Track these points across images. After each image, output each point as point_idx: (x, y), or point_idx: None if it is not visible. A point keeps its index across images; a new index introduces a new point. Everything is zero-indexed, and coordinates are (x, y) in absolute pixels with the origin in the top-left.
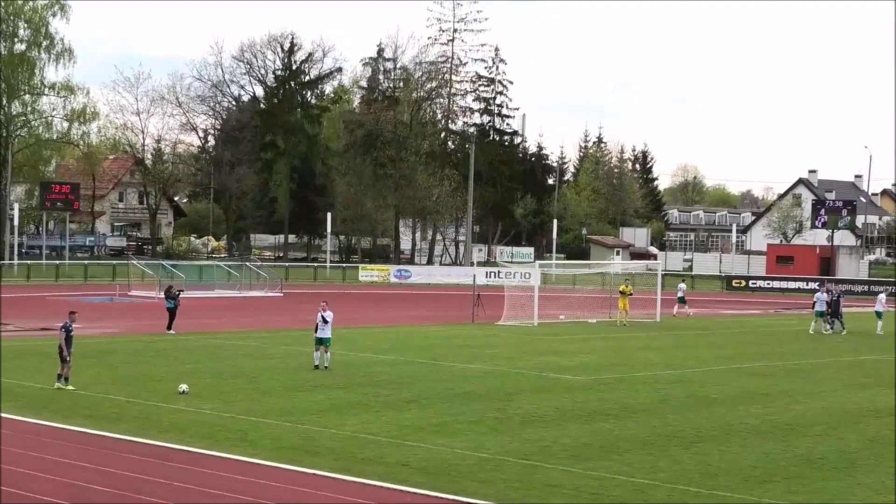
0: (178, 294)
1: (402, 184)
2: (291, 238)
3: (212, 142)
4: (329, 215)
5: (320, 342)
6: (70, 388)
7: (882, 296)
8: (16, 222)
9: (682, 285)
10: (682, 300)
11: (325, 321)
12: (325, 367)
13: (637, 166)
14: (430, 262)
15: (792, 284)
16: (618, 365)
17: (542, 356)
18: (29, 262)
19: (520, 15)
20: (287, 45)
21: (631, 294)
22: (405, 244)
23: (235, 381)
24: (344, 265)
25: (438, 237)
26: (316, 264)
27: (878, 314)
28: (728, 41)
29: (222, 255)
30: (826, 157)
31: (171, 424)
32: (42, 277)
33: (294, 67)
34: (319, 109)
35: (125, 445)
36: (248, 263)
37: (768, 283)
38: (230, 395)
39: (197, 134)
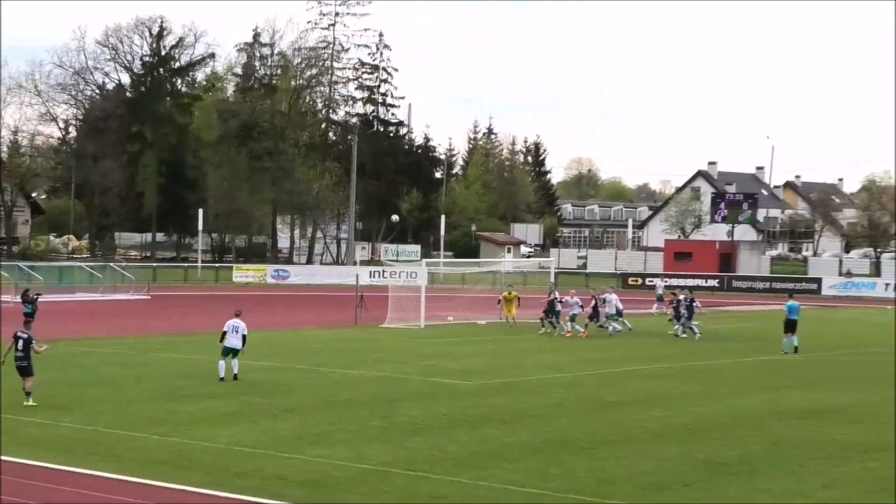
0: (36, 298)
1: (279, 177)
2: (160, 236)
3: (73, 133)
4: (201, 212)
5: (227, 352)
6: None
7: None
8: None
9: (659, 281)
10: (660, 298)
11: (235, 330)
12: (235, 378)
13: (529, 159)
14: (309, 261)
15: (690, 281)
16: (508, 368)
17: (428, 360)
18: None
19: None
20: (156, 30)
21: (517, 298)
22: (283, 242)
23: (99, 391)
24: (217, 265)
25: (319, 235)
26: (186, 264)
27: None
28: (624, 30)
29: (84, 256)
30: (726, 148)
31: (28, 439)
32: None
33: (163, 53)
34: (191, 98)
35: None
36: (112, 264)
37: (666, 281)
38: (93, 406)
39: (57, 125)
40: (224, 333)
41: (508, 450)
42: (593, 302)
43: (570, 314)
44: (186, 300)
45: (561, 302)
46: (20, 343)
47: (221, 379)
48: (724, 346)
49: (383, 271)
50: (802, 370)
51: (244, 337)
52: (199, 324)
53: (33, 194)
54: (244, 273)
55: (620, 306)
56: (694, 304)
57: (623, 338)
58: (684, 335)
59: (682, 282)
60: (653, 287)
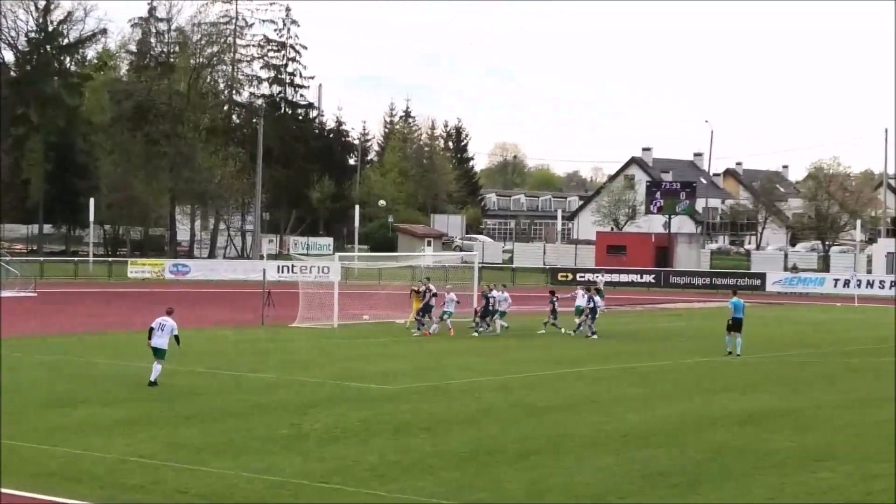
0: None
1: (178, 164)
2: (47, 228)
3: None
4: (92, 201)
5: (154, 352)
6: None
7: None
8: None
9: (600, 277)
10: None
11: (161, 328)
12: (152, 384)
13: (450, 144)
14: (212, 255)
15: (624, 277)
16: (430, 371)
17: (342, 362)
18: None
19: None
20: (42, 4)
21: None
22: (183, 235)
23: None
24: (110, 259)
25: (222, 226)
26: (77, 259)
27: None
28: (544, 3)
29: None
30: (662, 134)
31: None
32: None
33: (50, 29)
34: (80, 78)
35: None
36: None
37: (598, 276)
38: None
39: None
40: (151, 331)
41: (432, 459)
42: (484, 299)
43: (444, 312)
44: (77, 297)
45: (435, 295)
46: None
47: (151, 383)
48: (662, 346)
49: (292, 266)
50: (746, 372)
51: (176, 337)
52: (92, 323)
53: None
54: (140, 268)
55: (505, 307)
56: (596, 301)
57: (550, 337)
58: (594, 336)
59: (616, 277)
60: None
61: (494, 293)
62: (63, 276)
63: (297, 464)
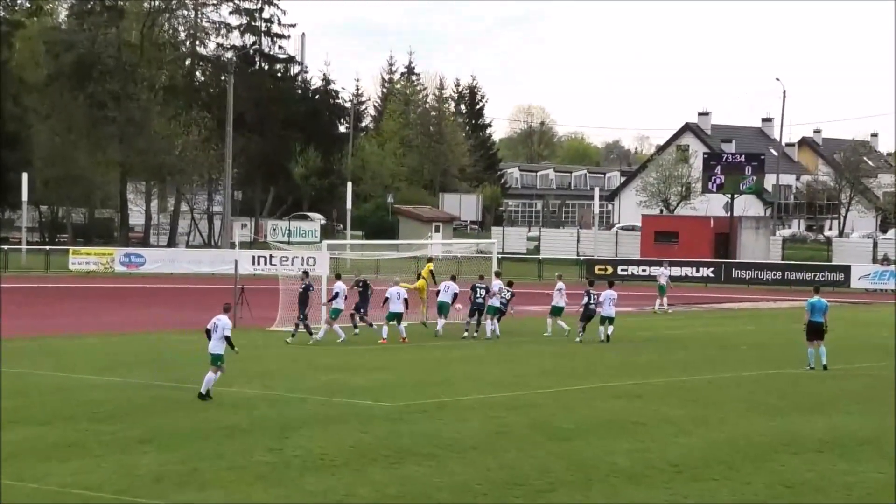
0: None
1: (130, 132)
2: None
3: None
4: (25, 176)
5: (212, 359)
6: None
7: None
8: None
9: (665, 270)
10: (663, 291)
11: (216, 329)
12: (204, 396)
13: (462, 108)
14: (172, 243)
15: (676, 270)
16: (434, 384)
17: (331, 373)
18: None
19: None
20: None
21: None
22: (136, 218)
23: None
24: (48, 247)
25: (184, 208)
26: (7, 246)
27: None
28: None
29: None
30: (723, 94)
31: None
32: None
33: None
34: (9, 25)
35: None
36: None
37: (644, 270)
38: None
39: None
40: (208, 332)
41: (437, 493)
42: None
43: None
44: (8, 294)
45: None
46: None
47: (202, 395)
48: (720, 355)
49: (271, 257)
50: (823, 387)
51: (227, 338)
52: (26, 326)
53: None
54: (84, 258)
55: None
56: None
57: (581, 345)
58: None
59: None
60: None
61: (496, 284)
62: None
63: (277, 496)
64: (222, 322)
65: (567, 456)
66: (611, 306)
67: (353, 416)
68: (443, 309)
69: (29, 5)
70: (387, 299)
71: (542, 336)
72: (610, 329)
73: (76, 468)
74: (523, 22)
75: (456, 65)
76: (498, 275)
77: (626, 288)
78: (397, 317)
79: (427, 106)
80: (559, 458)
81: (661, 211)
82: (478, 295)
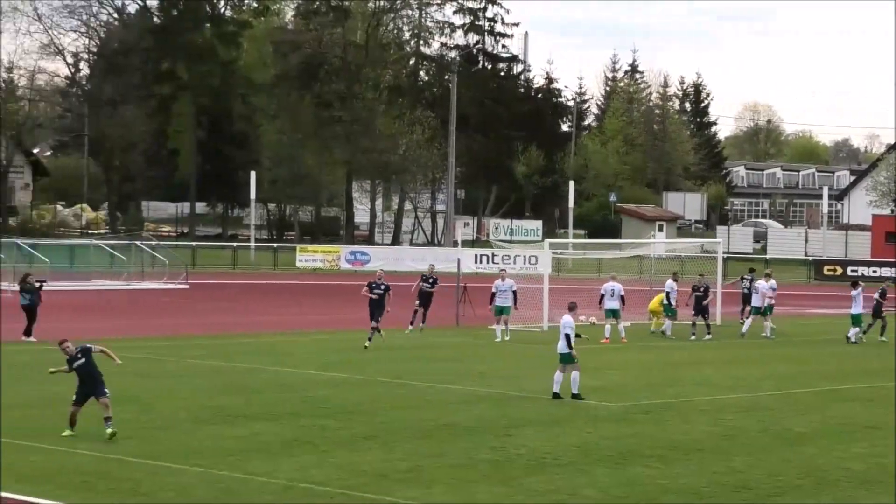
0: (40, 286)
1: (355, 131)
2: (200, 207)
3: (85, 71)
4: (253, 175)
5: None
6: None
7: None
8: None
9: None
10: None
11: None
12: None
13: (687, 106)
14: (395, 241)
15: None
16: (661, 386)
17: (553, 372)
18: None
19: None
20: None
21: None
22: (361, 216)
23: (122, 410)
24: (275, 245)
25: (408, 206)
26: (235, 244)
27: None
28: None
29: (103, 232)
30: None
31: (32, 471)
32: None
33: None
34: (237, 26)
35: None
36: (138, 243)
37: (875, 271)
38: (115, 428)
39: (64, 60)
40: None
41: (662, 495)
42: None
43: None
44: (235, 291)
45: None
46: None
47: (556, 395)
48: None
49: (493, 255)
50: None
51: (567, 336)
52: (252, 322)
53: (34, 150)
54: (310, 256)
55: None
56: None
57: (809, 348)
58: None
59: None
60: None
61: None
62: (219, 265)
63: (500, 495)
64: (564, 320)
65: (797, 460)
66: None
67: (576, 415)
68: (615, 315)
69: (256, 6)
70: (602, 296)
71: (761, 337)
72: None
73: (302, 463)
74: (749, 17)
75: (680, 62)
76: (768, 276)
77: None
78: (614, 313)
79: (651, 104)
80: (789, 463)
81: (892, 211)
82: (744, 287)
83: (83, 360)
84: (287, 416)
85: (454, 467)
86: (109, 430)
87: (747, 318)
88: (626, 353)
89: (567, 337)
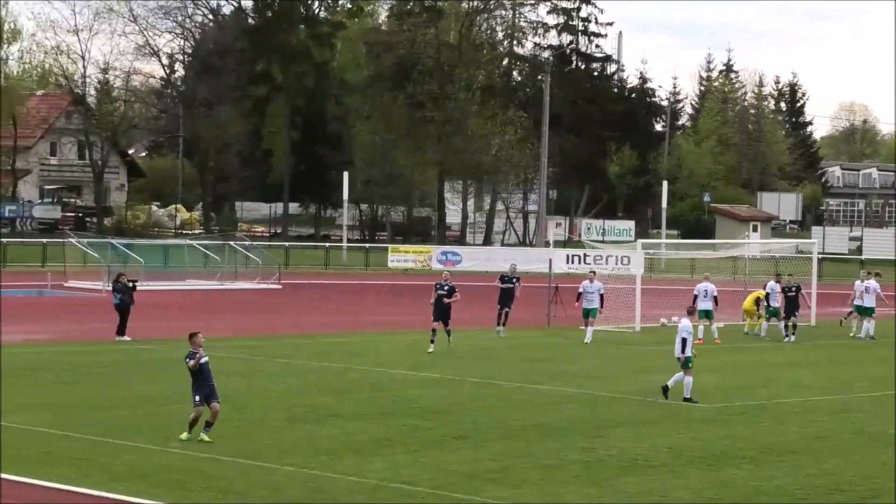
0: (133, 286)
1: (448, 132)
2: (293, 208)
3: (180, 72)
4: (346, 176)
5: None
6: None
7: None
8: None
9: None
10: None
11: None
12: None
13: (782, 105)
14: (487, 241)
15: None
16: (754, 388)
17: (645, 374)
18: None
19: None
20: None
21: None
22: (453, 217)
23: None
24: (367, 245)
25: (500, 207)
26: (328, 244)
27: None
28: None
29: (197, 232)
30: None
31: (124, 469)
32: None
33: None
34: (331, 27)
35: (58, 495)
36: (232, 243)
37: None
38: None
39: (160, 61)
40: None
41: (755, 497)
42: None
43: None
44: (327, 291)
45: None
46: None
47: (664, 388)
48: None
49: (585, 256)
50: None
51: (683, 341)
52: (343, 322)
53: (130, 151)
54: (402, 256)
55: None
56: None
57: None
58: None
59: None
60: None
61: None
62: (312, 265)
63: (590, 496)
64: (682, 323)
65: (892, 462)
66: None
67: (668, 417)
68: (708, 315)
69: (350, 6)
70: (695, 297)
71: (852, 338)
72: None
73: (393, 462)
74: (844, 17)
75: (776, 62)
76: (878, 275)
77: None
78: (707, 314)
79: (746, 104)
80: (883, 465)
81: None
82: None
83: (207, 358)
84: (378, 416)
85: (544, 468)
86: (207, 437)
87: (855, 319)
88: (719, 355)
89: (683, 341)
